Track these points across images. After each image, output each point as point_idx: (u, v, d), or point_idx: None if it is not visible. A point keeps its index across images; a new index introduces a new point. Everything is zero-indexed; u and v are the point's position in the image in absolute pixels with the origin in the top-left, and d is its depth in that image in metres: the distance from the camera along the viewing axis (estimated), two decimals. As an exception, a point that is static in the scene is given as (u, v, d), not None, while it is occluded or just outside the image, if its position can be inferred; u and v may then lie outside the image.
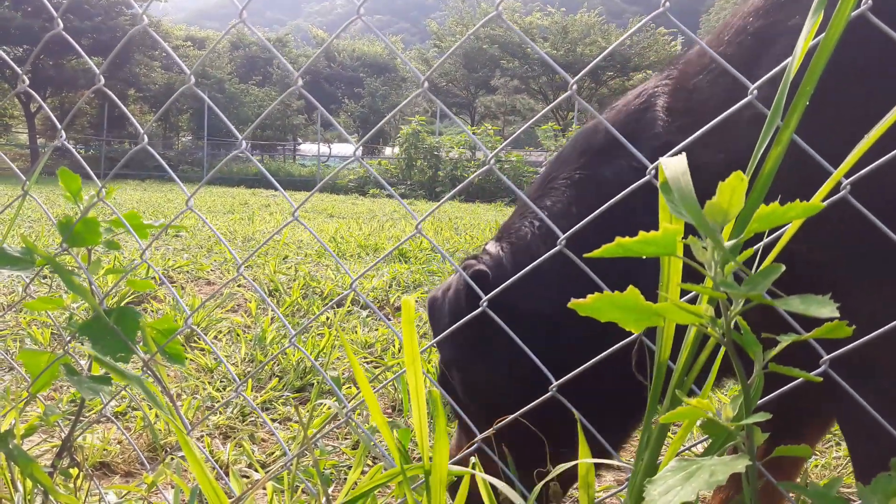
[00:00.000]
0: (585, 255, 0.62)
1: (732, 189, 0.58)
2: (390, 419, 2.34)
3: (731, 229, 0.66)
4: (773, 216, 0.58)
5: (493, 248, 1.31)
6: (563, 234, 0.96)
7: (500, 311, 1.06)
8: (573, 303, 0.62)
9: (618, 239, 0.58)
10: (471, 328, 1.10)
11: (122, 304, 1.39)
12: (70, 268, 1.43)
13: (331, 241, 6.93)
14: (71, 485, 1.46)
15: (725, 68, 0.82)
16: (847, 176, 0.79)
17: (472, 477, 0.99)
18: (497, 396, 1.28)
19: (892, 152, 0.78)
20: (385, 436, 0.86)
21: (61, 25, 1.38)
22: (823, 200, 0.75)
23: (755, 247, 0.75)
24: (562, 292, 0.96)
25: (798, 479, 1.60)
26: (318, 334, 3.28)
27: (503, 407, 1.17)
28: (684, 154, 0.67)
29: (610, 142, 1.14)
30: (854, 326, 0.64)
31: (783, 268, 0.60)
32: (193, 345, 3.02)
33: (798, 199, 0.57)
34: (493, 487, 0.92)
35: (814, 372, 0.83)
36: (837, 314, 0.50)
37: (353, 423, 1.10)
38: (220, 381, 2.60)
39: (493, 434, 1.28)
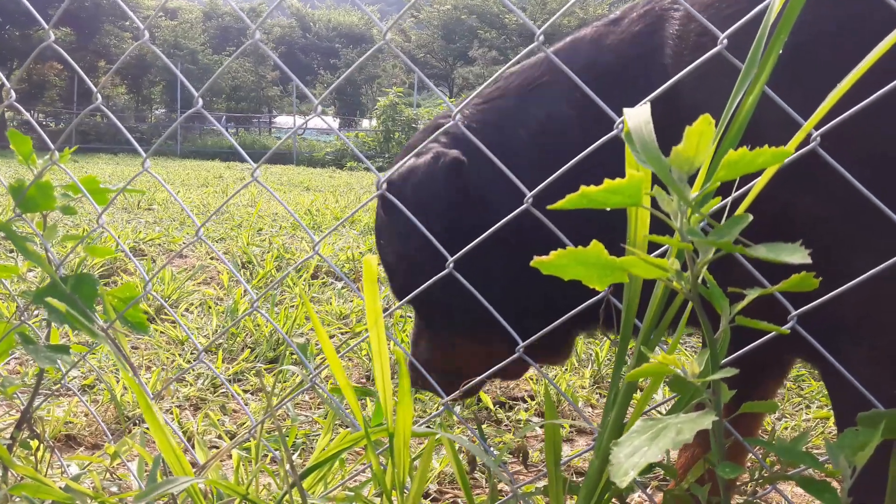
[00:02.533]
0: (549, 208, 0.60)
1: (700, 135, 0.55)
2: (363, 386, 2.33)
3: (702, 179, 0.64)
4: (742, 163, 0.55)
5: (457, 128, 1.12)
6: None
7: (471, 203, 1.03)
8: (536, 261, 0.60)
9: (582, 188, 0.55)
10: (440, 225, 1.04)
11: (84, 271, 1.35)
12: (25, 235, 1.37)
13: (306, 213, 6.86)
14: (31, 457, 1.42)
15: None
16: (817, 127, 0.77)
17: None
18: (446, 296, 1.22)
19: (860, 104, 0.76)
20: (348, 397, 0.83)
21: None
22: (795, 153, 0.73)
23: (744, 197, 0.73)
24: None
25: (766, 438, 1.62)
26: (292, 306, 3.25)
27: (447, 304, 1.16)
28: (648, 105, 0.64)
29: (621, 63, 1.03)
30: (821, 279, 0.62)
31: (750, 217, 0.58)
32: (164, 317, 2.97)
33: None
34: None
35: (783, 327, 0.82)
36: (809, 260, 0.48)
37: (319, 389, 1.07)
38: (191, 353, 2.56)
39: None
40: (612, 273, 0.57)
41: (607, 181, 0.52)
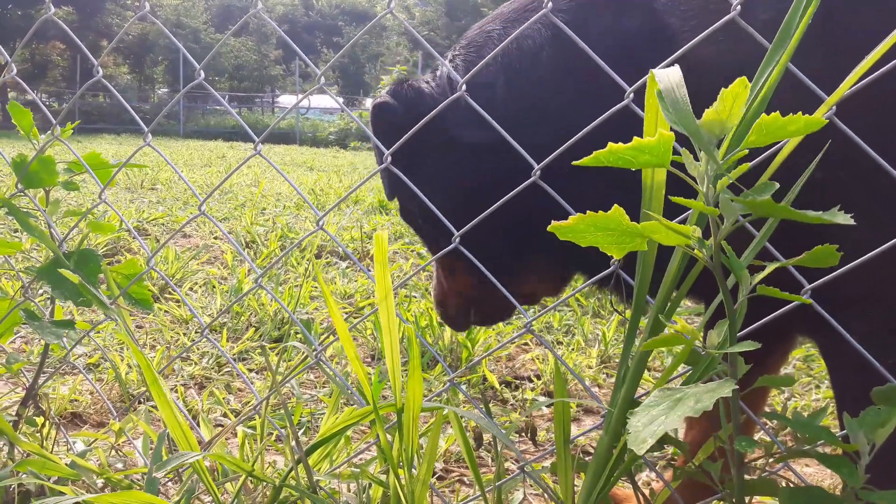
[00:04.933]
0: (574, 164, 0.58)
1: (734, 97, 0.53)
2: (369, 365, 2.32)
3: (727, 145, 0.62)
4: (773, 128, 0.53)
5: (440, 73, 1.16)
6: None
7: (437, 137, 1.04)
8: (554, 225, 0.58)
9: (610, 145, 0.54)
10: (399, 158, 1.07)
11: (87, 247, 1.33)
12: (28, 211, 1.36)
13: (310, 193, 6.84)
14: (37, 434, 1.42)
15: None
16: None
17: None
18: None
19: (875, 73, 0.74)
20: (357, 370, 0.82)
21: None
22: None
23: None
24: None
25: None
26: (296, 285, 3.24)
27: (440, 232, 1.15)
28: (678, 65, 0.62)
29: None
30: (843, 253, 0.60)
31: (777, 185, 0.56)
32: (168, 296, 2.97)
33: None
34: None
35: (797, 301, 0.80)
36: (852, 221, 0.47)
37: (324, 366, 1.06)
38: (195, 333, 2.55)
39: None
40: (632, 240, 0.56)
41: (636, 139, 0.50)
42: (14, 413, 1.42)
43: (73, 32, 1.48)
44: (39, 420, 1.41)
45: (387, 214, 5.58)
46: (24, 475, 1.16)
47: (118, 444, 1.51)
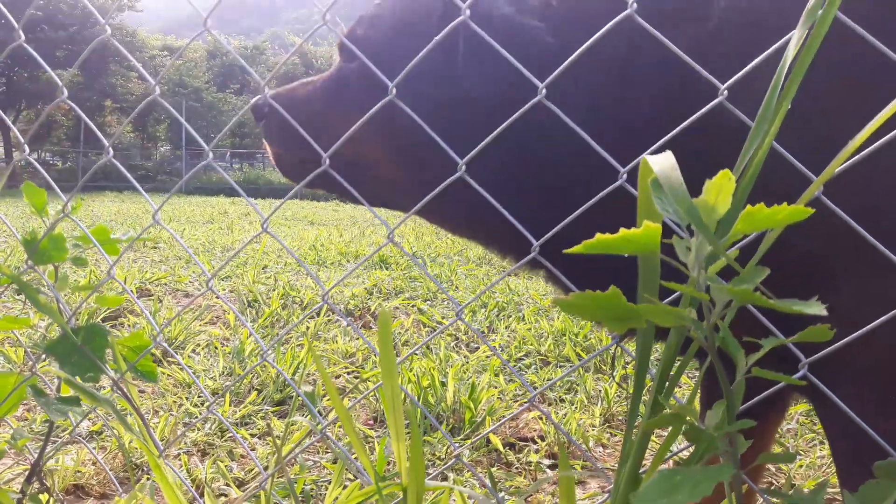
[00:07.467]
0: (564, 252, 0.60)
1: (719, 188, 0.56)
2: (371, 428, 2.31)
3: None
4: (760, 217, 0.56)
5: None
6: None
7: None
8: (555, 300, 0.60)
9: (598, 235, 0.56)
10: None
11: (94, 321, 1.35)
12: (37, 286, 1.38)
13: (311, 248, 6.88)
14: (41, 510, 1.41)
15: None
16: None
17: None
18: None
19: (863, 152, 0.77)
20: (360, 456, 0.83)
21: (23, 38, 1.34)
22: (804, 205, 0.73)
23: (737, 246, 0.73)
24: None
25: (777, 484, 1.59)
26: (298, 345, 3.24)
27: None
28: (670, 152, 0.65)
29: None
30: (835, 330, 0.62)
31: (768, 270, 0.59)
32: (171, 359, 2.97)
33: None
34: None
35: (794, 376, 0.82)
36: (825, 312, 0.49)
37: (330, 442, 1.07)
38: (199, 397, 2.54)
39: None
40: (630, 317, 0.58)
41: (623, 230, 0.53)
42: (18, 490, 1.41)
43: (78, 94, 1.53)
44: (44, 497, 1.41)
45: (387, 269, 5.61)
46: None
47: (121, 518, 1.50)
